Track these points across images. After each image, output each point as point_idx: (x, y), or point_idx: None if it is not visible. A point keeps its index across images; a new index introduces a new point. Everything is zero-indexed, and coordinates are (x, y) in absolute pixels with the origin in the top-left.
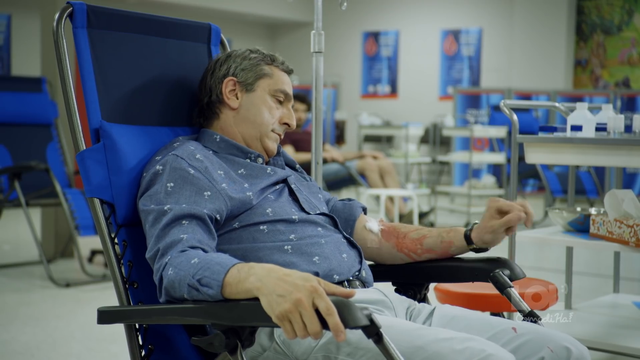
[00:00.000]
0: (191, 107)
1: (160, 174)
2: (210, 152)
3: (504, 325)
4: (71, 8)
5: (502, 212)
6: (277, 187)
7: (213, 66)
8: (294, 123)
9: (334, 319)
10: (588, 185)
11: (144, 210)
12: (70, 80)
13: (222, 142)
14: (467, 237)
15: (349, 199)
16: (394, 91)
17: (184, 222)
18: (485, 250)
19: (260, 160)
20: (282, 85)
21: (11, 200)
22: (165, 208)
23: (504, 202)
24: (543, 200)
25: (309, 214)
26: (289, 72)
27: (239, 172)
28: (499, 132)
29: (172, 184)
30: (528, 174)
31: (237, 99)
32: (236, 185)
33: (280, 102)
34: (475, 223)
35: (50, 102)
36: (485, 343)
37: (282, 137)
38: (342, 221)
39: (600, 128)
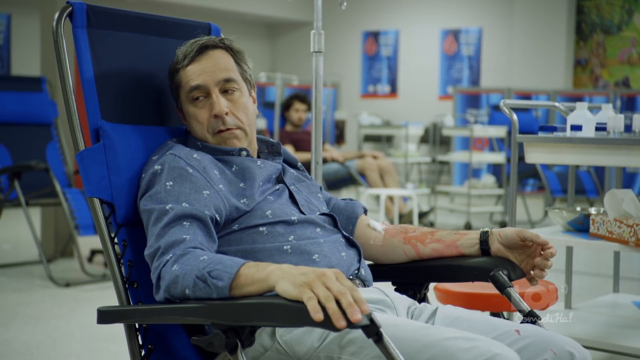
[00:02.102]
0: None
1: (159, 174)
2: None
3: (507, 327)
4: (71, 8)
5: (525, 240)
6: (277, 187)
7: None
8: (218, 109)
9: (358, 293)
10: (588, 185)
11: (145, 210)
12: (70, 80)
13: (204, 147)
14: (484, 232)
15: (350, 199)
16: (393, 91)
17: (185, 222)
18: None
19: (244, 153)
20: (189, 83)
21: (11, 200)
22: (167, 207)
23: (531, 234)
24: (543, 200)
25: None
26: (195, 57)
27: (233, 169)
28: (499, 131)
29: (171, 183)
30: (528, 174)
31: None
32: (231, 187)
33: (200, 98)
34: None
35: (50, 101)
36: (491, 343)
37: (230, 128)
38: (344, 219)
39: (600, 128)
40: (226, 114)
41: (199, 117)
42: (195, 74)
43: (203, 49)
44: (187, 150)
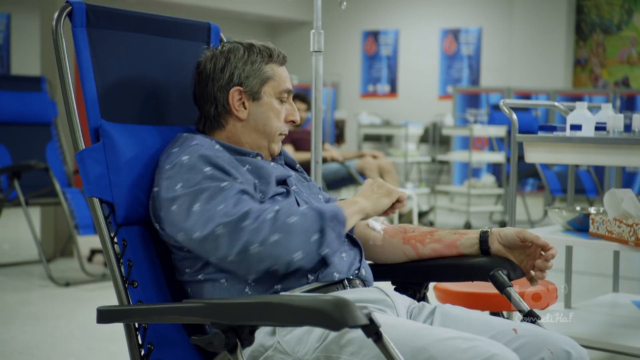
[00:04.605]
0: (191, 106)
1: (191, 163)
2: None
3: (505, 326)
4: (70, 7)
5: (525, 240)
6: (283, 190)
7: (212, 71)
8: (298, 118)
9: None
10: (587, 184)
11: (185, 193)
12: (70, 80)
13: (219, 145)
14: (484, 232)
15: None
16: (393, 90)
17: (244, 196)
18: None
19: (259, 157)
20: (285, 84)
21: (11, 200)
22: (223, 185)
23: (530, 235)
24: (542, 199)
25: None
26: (285, 61)
27: (246, 167)
28: (499, 131)
29: (209, 169)
30: (527, 173)
31: (245, 108)
32: (247, 182)
33: (283, 101)
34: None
35: (50, 101)
36: (490, 343)
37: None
38: None
39: (600, 127)
40: None
41: (281, 115)
42: (286, 78)
43: (286, 59)
44: (208, 141)
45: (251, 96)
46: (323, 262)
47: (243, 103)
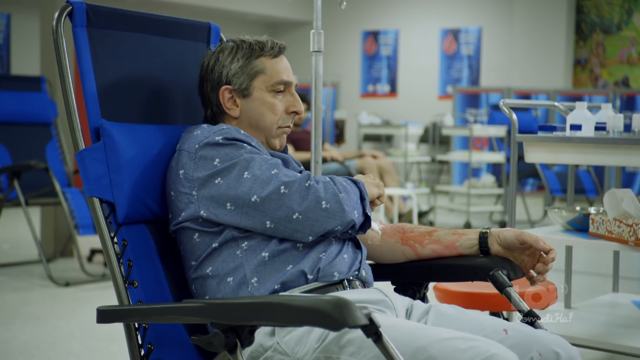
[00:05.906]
0: (191, 105)
1: (226, 140)
2: None
3: (496, 326)
4: (71, 7)
5: (524, 243)
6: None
7: (204, 73)
8: (301, 108)
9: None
10: (587, 184)
11: (231, 164)
12: (70, 79)
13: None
14: (483, 233)
15: None
16: (393, 90)
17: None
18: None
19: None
20: (278, 75)
21: (11, 200)
22: (266, 157)
23: (529, 237)
24: (542, 199)
25: None
26: (280, 52)
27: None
28: (499, 131)
29: (246, 145)
30: (527, 173)
31: (237, 106)
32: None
33: (282, 91)
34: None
35: (50, 101)
36: (489, 343)
37: (292, 125)
38: None
39: (600, 127)
40: None
41: (277, 108)
42: (282, 69)
43: (282, 50)
44: (233, 127)
45: (241, 93)
46: (325, 260)
47: (235, 101)
